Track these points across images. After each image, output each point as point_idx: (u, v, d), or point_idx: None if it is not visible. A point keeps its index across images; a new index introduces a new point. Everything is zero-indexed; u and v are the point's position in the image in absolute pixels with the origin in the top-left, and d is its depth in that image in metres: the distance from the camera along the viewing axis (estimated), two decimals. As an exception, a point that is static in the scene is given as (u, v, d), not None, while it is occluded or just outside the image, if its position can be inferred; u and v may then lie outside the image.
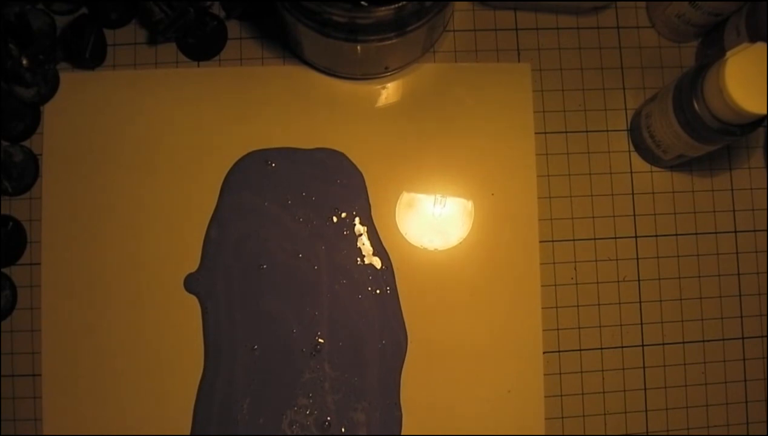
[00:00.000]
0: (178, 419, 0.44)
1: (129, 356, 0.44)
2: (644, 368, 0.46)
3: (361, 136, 0.46)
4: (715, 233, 0.47)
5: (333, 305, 0.45)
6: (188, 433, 0.44)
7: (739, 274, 0.47)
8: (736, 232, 0.47)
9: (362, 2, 0.37)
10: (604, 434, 0.45)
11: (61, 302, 0.44)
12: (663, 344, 0.46)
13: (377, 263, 0.45)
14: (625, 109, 0.48)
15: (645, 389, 0.46)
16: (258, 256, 0.45)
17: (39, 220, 0.45)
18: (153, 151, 0.46)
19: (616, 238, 0.47)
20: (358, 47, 0.41)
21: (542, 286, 0.46)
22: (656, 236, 0.47)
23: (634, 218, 0.47)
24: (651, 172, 0.47)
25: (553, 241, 0.46)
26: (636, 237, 0.47)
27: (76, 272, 0.45)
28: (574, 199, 0.47)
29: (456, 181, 0.46)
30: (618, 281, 0.46)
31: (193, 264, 0.45)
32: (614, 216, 0.47)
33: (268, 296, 0.45)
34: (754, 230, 0.47)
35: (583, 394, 0.46)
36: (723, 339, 0.47)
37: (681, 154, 0.43)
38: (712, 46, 0.46)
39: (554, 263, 0.46)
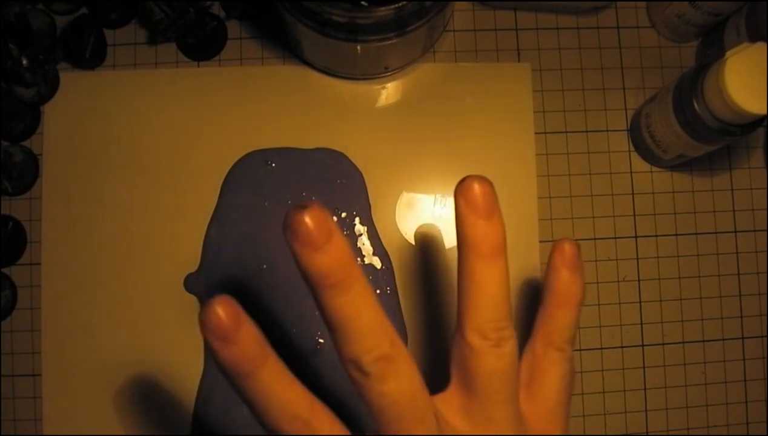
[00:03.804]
0: (178, 419, 0.44)
1: (129, 357, 0.44)
2: (644, 368, 0.46)
3: (361, 136, 0.46)
4: (715, 233, 0.47)
5: (333, 305, 0.45)
6: (188, 433, 0.44)
7: (739, 274, 0.47)
8: (736, 232, 0.47)
9: (362, 2, 0.37)
10: (604, 434, 0.45)
11: (61, 302, 0.44)
12: (663, 344, 0.46)
13: (377, 263, 0.45)
14: (625, 109, 0.48)
15: (645, 389, 0.46)
16: (258, 256, 0.45)
17: (39, 220, 0.45)
18: (153, 151, 0.46)
19: (616, 238, 0.47)
20: (358, 47, 0.41)
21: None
22: (656, 236, 0.47)
23: (634, 218, 0.47)
24: (651, 172, 0.47)
25: (553, 241, 0.46)
26: (636, 237, 0.47)
27: (76, 272, 0.45)
28: (574, 199, 0.47)
29: (456, 181, 0.46)
30: (618, 281, 0.46)
31: (193, 264, 0.45)
32: (614, 216, 0.47)
33: (268, 296, 0.45)
34: (754, 230, 0.47)
35: (583, 394, 0.46)
36: (723, 339, 0.47)
37: (681, 154, 0.43)
38: (712, 46, 0.46)
39: (554, 263, 0.46)
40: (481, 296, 0.28)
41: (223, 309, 0.25)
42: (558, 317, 0.31)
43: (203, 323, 0.25)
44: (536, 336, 0.31)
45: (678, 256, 0.47)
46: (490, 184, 0.28)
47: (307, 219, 0.25)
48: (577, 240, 0.46)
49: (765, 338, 0.47)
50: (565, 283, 0.31)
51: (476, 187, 0.28)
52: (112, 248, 0.45)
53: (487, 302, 0.28)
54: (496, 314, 0.28)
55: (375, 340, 0.26)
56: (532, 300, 0.46)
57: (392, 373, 0.26)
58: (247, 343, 0.25)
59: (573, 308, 0.31)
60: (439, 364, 0.45)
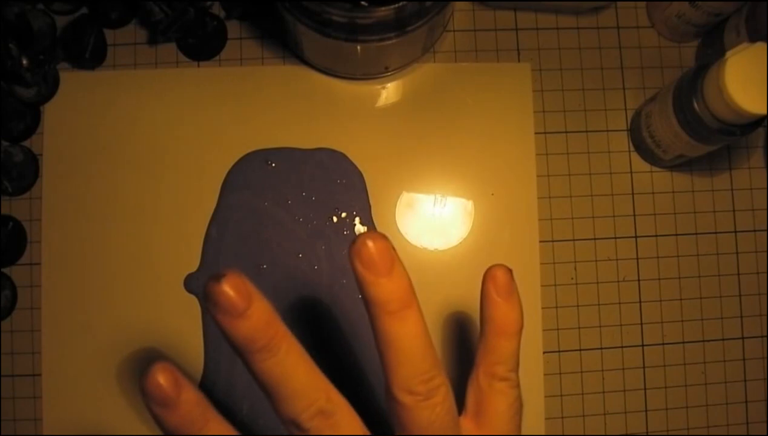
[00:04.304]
0: (178, 419, 0.44)
1: (129, 357, 0.44)
2: (644, 368, 0.46)
3: (361, 136, 0.46)
4: (715, 233, 0.47)
5: (333, 305, 0.45)
6: (188, 433, 0.44)
7: (739, 274, 0.47)
8: (736, 232, 0.47)
9: (362, 2, 0.37)
10: (604, 434, 0.45)
11: (61, 302, 0.44)
12: (663, 344, 0.46)
13: (377, 263, 0.45)
14: (625, 109, 0.48)
15: (645, 389, 0.46)
16: (258, 256, 0.45)
17: (39, 220, 0.45)
18: (153, 151, 0.46)
19: (616, 238, 0.47)
20: (358, 47, 0.41)
21: (542, 286, 0.46)
22: (656, 236, 0.47)
23: (634, 218, 0.47)
24: (651, 172, 0.47)
25: (553, 241, 0.46)
26: (636, 237, 0.47)
27: (76, 272, 0.45)
28: (574, 199, 0.47)
29: (456, 181, 0.46)
30: (618, 281, 0.46)
31: (193, 264, 0.45)
32: (614, 216, 0.47)
33: (268, 296, 0.44)
34: (754, 230, 0.47)
35: (583, 394, 0.46)
36: (723, 339, 0.47)
37: (681, 154, 0.43)
38: (712, 46, 0.46)
39: (554, 263, 0.46)
40: (400, 354, 0.27)
41: (163, 376, 0.25)
42: (499, 348, 0.30)
43: (144, 392, 0.25)
44: (479, 369, 0.31)
45: (678, 256, 0.47)
46: (383, 237, 0.27)
47: (226, 288, 0.25)
48: (577, 240, 0.46)
49: (765, 338, 0.47)
50: (501, 312, 0.30)
51: (370, 246, 0.27)
52: (112, 248, 0.45)
53: (407, 358, 0.27)
54: (418, 367, 0.27)
55: (312, 396, 0.26)
56: (531, 300, 0.46)
57: (332, 426, 0.26)
58: (187, 407, 0.25)
59: (512, 335, 0.30)
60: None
